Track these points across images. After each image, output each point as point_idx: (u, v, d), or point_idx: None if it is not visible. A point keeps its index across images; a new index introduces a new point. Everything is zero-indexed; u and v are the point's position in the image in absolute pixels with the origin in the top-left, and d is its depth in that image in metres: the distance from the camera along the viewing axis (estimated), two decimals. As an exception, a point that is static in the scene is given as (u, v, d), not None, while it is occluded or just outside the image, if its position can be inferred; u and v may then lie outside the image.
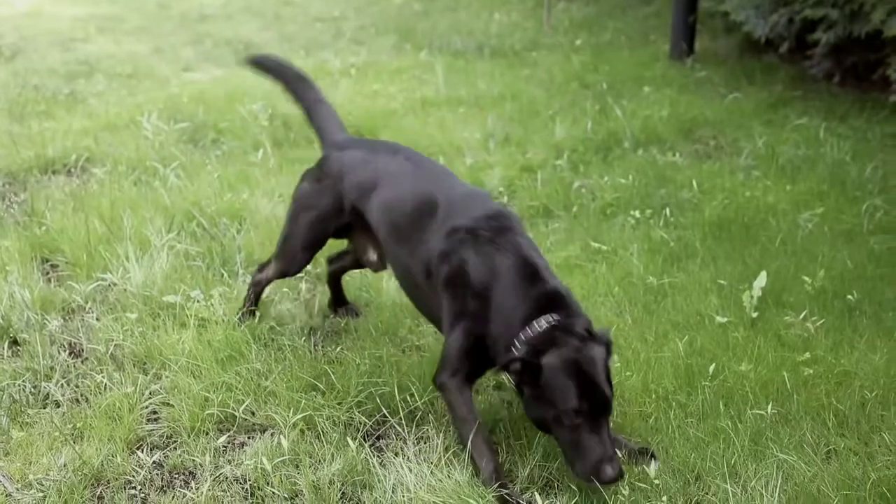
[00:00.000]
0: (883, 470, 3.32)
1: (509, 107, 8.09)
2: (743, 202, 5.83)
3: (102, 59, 10.42)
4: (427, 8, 14.16)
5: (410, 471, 3.35)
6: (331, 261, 4.59)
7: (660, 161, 6.67)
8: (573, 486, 3.27)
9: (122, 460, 3.47)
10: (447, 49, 10.82)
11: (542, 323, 3.25)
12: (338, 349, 4.21)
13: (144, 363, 4.12)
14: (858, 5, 7.43)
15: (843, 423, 3.65)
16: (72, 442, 3.55)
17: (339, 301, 4.64)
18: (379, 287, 4.77)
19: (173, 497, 3.33)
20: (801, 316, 4.39)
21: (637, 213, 5.64)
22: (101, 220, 5.34)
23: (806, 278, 4.71)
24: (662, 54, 10.12)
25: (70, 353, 4.24)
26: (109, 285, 4.75)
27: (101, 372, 4.02)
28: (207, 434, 3.65)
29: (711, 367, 3.94)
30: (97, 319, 4.48)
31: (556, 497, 3.26)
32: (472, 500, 3.16)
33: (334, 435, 3.58)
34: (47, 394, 3.89)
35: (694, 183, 6.09)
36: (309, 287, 4.81)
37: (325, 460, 3.45)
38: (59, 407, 3.83)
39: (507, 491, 3.22)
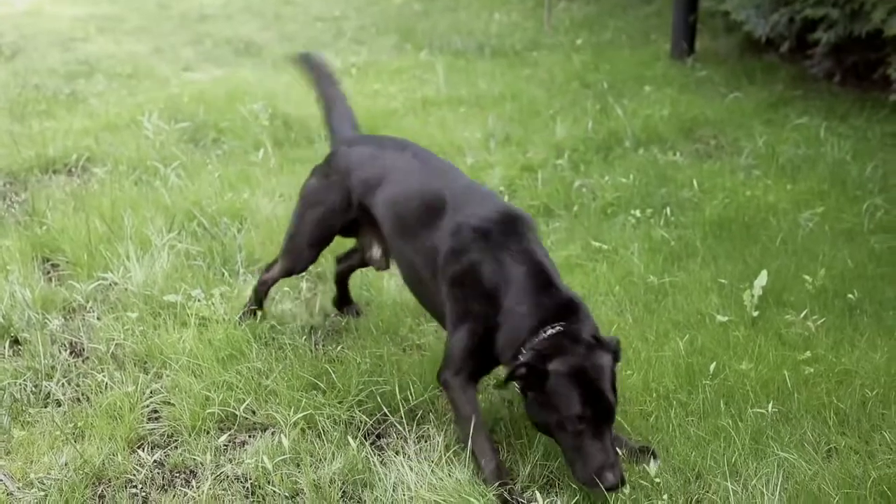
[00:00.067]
0: (884, 468, 3.32)
1: (510, 106, 8.09)
2: (743, 201, 5.83)
3: (103, 59, 10.42)
4: (427, 8, 14.16)
5: (411, 469, 3.36)
6: (339, 260, 4.58)
7: (660, 160, 6.67)
8: (573, 485, 3.27)
9: (123, 459, 3.48)
10: (448, 49, 10.82)
11: (550, 331, 3.24)
12: (338, 348, 4.21)
13: (145, 362, 4.12)
14: (859, 5, 7.43)
15: (843, 421, 3.66)
16: (73, 441, 3.55)
17: (343, 300, 4.64)
18: (380, 286, 4.78)
19: (174, 496, 3.33)
20: (802, 315, 4.39)
21: (638, 213, 5.64)
22: (101, 220, 5.34)
23: (807, 277, 4.71)
24: (663, 54, 10.13)
25: (71, 353, 4.25)
26: (110, 285, 4.75)
27: (102, 371, 4.02)
28: (208, 433, 3.65)
29: (712, 366, 3.94)
30: (98, 319, 4.48)
31: (556, 496, 3.27)
32: (472, 499, 3.16)
33: (335, 434, 3.58)
34: (48, 393, 3.90)
35: (694, 182, 6.09)
36: (310, 286, 4.82)
37: (325, 459, 3.45)
38: (60, 406, 3.83)
39: (507, 489, 3.22)
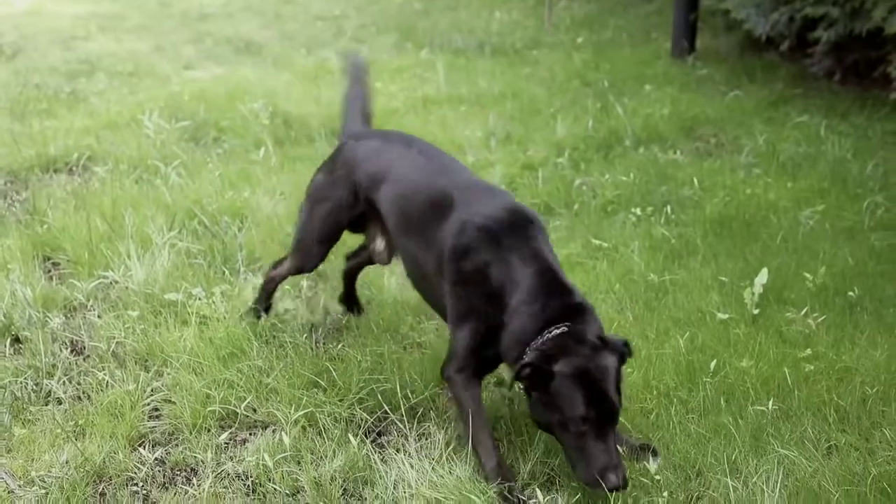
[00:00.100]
0: (884, 465, 3.33)
1: (510, 105, 8.10)
2: (744, 199, 5.83)
3: (103, 58, 10.43)
4: (428, 6, 14.16)
5: (412, 467, 3.36)
6: (348, 257, 4.57)
7: (661, 159, 6.68)
8: (574, 483, 3.27)
9: (123, 457, 3.48)
10: (448, 47, 10.83)
11: (555, 331, 3.22)
12: (339, 346, 4.22)
13: (146, 360, 4.13)
14: (859, 3, 7.43)
15: (843, 418, 3.66)
16: (74, 439, 3.56)
17: (349, 297, 4.63)
18: (380, 284, 4.78)
19: (175, 493, 3.34)
20: (802, 312, 4.40)
21: (638, 211, 5.64)
22: (102, 219, 5.34)
23: (807, 275, 4.71)
24: (664, 52, 10.13)
25: (72, 351, 4.25)
26: (111, 283, 4.75)
27: (103, 369, 4.03)
28: (209, 431, 3.66)
29: (712, 364, 3.94)
30: (99, 317, 4.48)
31: (557, 493, 3.27)
32: (473, 496, 3.17)
33: (336, 431, 3.59)
34: (49, 391, 3.90)
35: (695, 180, 6.09)
36: (310, 284, 4.82)
37: (326, 457, 3.46)
38: (60, 404, 3.84)
39: (508, 487, 3.23)
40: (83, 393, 3.91)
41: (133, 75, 9.58)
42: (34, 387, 3.92)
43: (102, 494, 3.34)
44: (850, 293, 4.56)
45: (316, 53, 10.69)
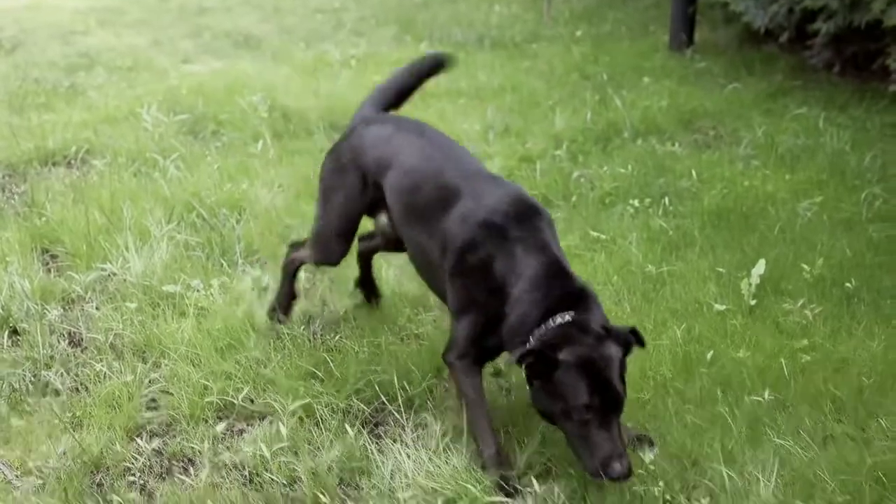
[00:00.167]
0: (879, 455, 3.33)
1: (509, 98, 8.10)
2: (742, 191, 5.84)
3: (102, 52, 10.43)
4: (427, -1, 14.17)
5: (408, 457, 3.37)
6: (361, 239, 4.42)
7: (659, 151, 6.68)
8: (571, 472, 3.28)
9: (121, 448, 3.50)
10: (447, 40, 10.82)
11: (559, 320, 3.20)
12: (337, 337, 4.22)
13: (144, 352, 4.13)
14: (859, -5, 7.43)
15: (840, 409, 3.66)
16: (71, 430, 3.57)
17: (366, 282, 4.55)
18: (378, 276, 4.77)
19: (172, 484, 3.35)
20: (800, 303, 4.40)
21: (636, 203, 5.64)
22: (100, 211, 5.35)
23: (805, 266, 4.71)
24: (662, 45, 10.12)
25: (70, 343, 4.26)
26: (109, 275, 4.76)
27: (101, 361, 4.04)
28: (206, 421, 3.67)
29: (709, 355, 3.95)
30: (97, 309, 4.49)
31: (553, 483, 3.27)
32: (469, 486, 3.18)
33: (333, 422, 3.59)
34: (47, 382, 3.91)
35: (693, 172, 6.10)
36: (308, 276, 4.81)
37: (323, 447, 3.47)
38: (58, 395, 3.85)
39: (505, 476, 3.24)
40: (81, 384, 3.92)
41: (132, 69, 9.58)
42: (32, 378, 3.93)
43: (100, 485, 3.35)
44: (848, 284, 4.57)
45: (315, 47, 10.69)
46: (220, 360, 3.97)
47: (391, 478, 3.31)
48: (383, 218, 3.98)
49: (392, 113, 4.26)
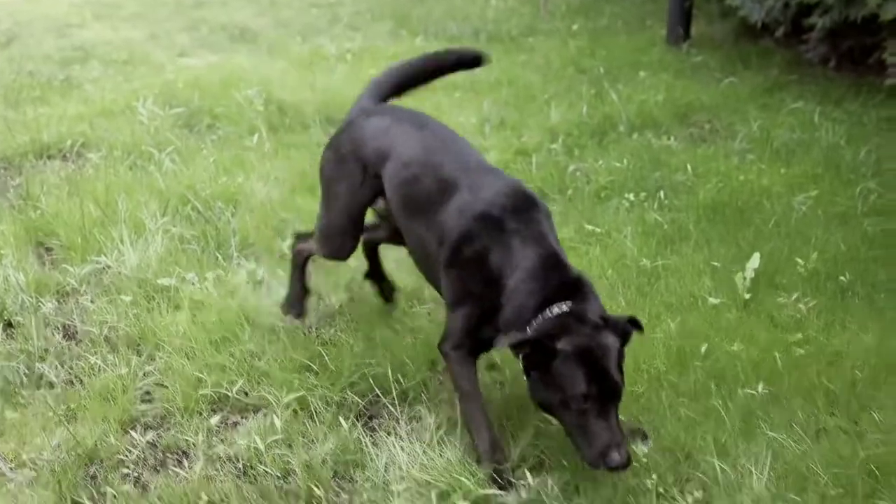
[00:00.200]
0: (872, 448, 3.35)
1: (505, 91, 8.10)
2: (737, 185, 5.84)
3: (98, 46, 10.41)
4: (423, -7, 14.15)
5: (402, 450, 3.38)
6: (366, 229, 4.26)
7: (655, 145, 6.68)
8: (565, 464, 3.29)
9: (115, 440, 3.50)
10: (443, 34, 10.82)
11: (555, 310, 3.19)
12: (331, 331, 4.22)
13: (138, 345, 4.13)
14: (854, -11, 7.43)
15: (833, 402, 3.67)
16: (65, 422, 3.57)
17: (375, 274, 4.49)
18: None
19: (166, 476, 3.35)
20: (794, 297, 4.41)
21: (631, 196, 5.64)
22: (95, 204, 5.35)
23: (799, 260, 4.72)
24: (659, 39, 10.12)
25: (64, 336, 4.26)
26: (104, 268, 4.75)
27: (95, 353, 4.04)
28: (201, 414, 3.67)
29: (703, 348, 3.95)
30: (91, 302, 4.49)
31: (547, 475, 3.27)
32: (463, 478, 3.18)
33: (327, 415, 3.60)
34: (41, 375, 3.91)
35: (688, 166, 6.10)
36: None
37: (317, 440, 3.47)
38: (52, 388, 3.85)
39: (499, 468, 3.24)
40: (75, 377, 3.92)
41: (127, 63, 9.57)
42: (26, 371, 3.93)
43: (94, 477, 3.35)
44: (842, 278, 4.58)
45: (311, 41, 10.68)
46: (215, 352, 3.97)
47: (385, 470, 3.31)
48: (381, 202, 3.92)
49: (391, 104, 4.23)
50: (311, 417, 3.60)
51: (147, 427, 3.64)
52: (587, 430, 3.05)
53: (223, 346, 4.03)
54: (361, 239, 4.22)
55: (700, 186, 5.84)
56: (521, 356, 3.18)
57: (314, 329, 4.27)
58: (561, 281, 3.28)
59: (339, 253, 4.08)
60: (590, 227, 5.22)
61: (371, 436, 3.52)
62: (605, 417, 3.05)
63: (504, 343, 3.17)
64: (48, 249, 5.07)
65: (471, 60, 4.40)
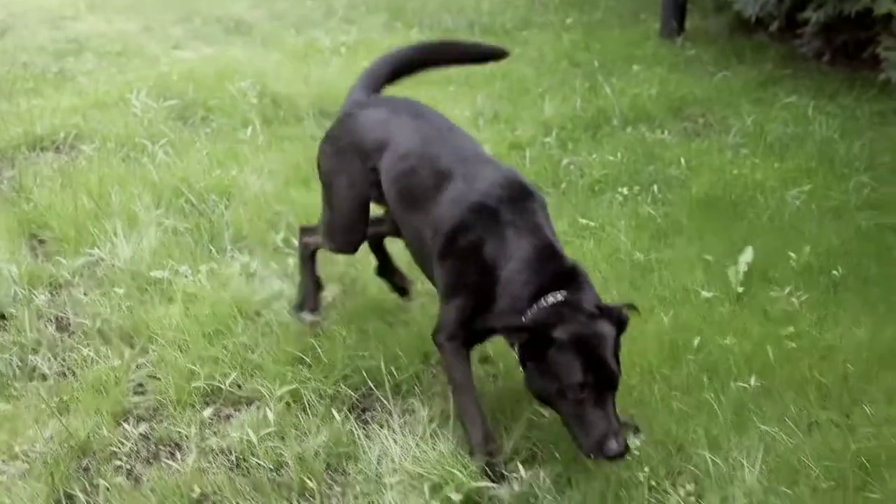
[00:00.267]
0: (863, 441, 3.36)
1: (499, 85, 8.09)
2: (731, 179, 5.85)
3: (92, 38, 10.37)
4: (418, -14, 14.11)
5: (395, 442, 3.38)
6: (370, 224, 4.22)
7: (648, 138, 6.68)
8: (557, 456, 3.29)
9: (108, 432, 3.50)
10: (438, 27, 10.80)
11: (550, 300, 3.18)
12: (324, 323, 4.22)
13: (131, 337, 4.13)
14: (849, -17, 7.43)
15: (825, 395, 3.68)
16: (58, 414, 3.57)
17: (386, 270, 4.44)
18: (366, 261, 4.77)
19: (159, 468, 3.36)
20: (787, 291, 4.42)
21: (625, 190, 5.65)
22: (89, 196, 5.34)
23: (792, 254, 4.73)
24: (653, 33, 10.10)
25: (57, 328, 4.26)
26: (97, 260, 4.75)
27: (88, 346, 4.04)
28: (193, 407, 3.67)
29: (696, 341, 3.96)
30: (84, 294, 4.49)
31: (539, 468, 3.27)
32: (455, 471, 3.18)
33: (320, 408, 3.60)
34: (34, 367, 3.91)
35: (682, 160, 6.11)
36: (297, 262, 4.80)
37: (310, 432, 3.47)
38: (45, 380, 3.85)
39: (492, 461, 3.25)
40: (68, 369, 3.92)
41: (121, 55, 9.53)
42: (19, 363, 3.93)
43: (86, 469, 3.35)
44: (835, 272, 4.58)
45: (305, 33, 10.65)
46: (208, 345, 3.97)
47: (378, 463, 3.32)
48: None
49: (387, 95, 4.21)
50: (304, 410, 3.61)
51: (140, 419, 3.64)
52: (584, 419, 3.05)
53: (216, 338, 4.03)
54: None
55: (693, 180, 5.84)
56: (516, 346, 3.19)
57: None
58: (556, 271, 3.27)
59: (347, 247, 4.05)
60: (583, 221, 5.22)
61: (364, 428, 3.53)
62: (601, 406, 3.04)
63: (500, 322, 3.19)
64: (41, 241, 5.07)
65: (482, 56, 4.41)
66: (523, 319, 3.20)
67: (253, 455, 3.37)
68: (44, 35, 10.50)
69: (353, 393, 3.73)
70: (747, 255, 4.57)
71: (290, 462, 3.32)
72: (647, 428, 3.46)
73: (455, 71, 8.40)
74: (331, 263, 4.61)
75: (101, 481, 3.25)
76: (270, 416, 3.52)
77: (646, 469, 3.20)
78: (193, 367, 3.82)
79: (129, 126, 6.81)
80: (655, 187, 5.68)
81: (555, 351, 3.07)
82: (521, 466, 3.23)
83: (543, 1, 12.04)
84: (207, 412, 3.62)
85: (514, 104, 7.52)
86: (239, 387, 3.78)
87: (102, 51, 9.69)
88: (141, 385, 3.83)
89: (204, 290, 4.41)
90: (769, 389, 3.70)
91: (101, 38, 10.33)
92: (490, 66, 8.52)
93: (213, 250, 4.88)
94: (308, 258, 4.27)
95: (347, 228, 3.97)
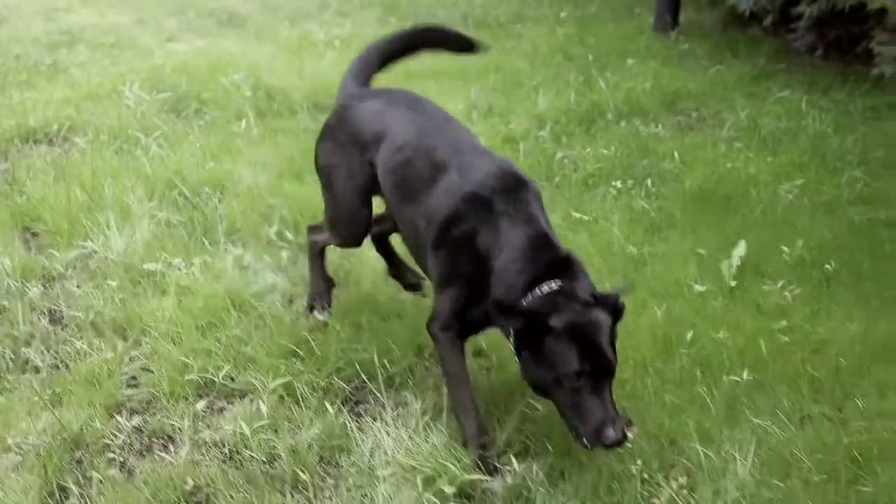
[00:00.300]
0: (856, 435, 3.38)
1: (493, 78, 8.08)
2: (724, 173, 5.85)
3: (85, 30, 10.36)
4: (412, -20, 14.08)
5: (388, 435, 3.39)
6: (373, 222, 4.22)
7: (642, 132, 6.69)
8: (550, 449, 3.30)
9: (101, 425, 3.50)
10: (431, 21, 10.74)
11: (545, 288, 3.18)
12: (321, 317, 4.21)
13: (124, 330, 4.13)
14: (842, -22, 7.44)
15: (817, 389, 3.70)
16: (51, 407, 3.56)
17: (395, 267, 4.40)
18: (359, 256, 4.77)
19: (152, 461, 3.36)
20: (780, 285, 4.43)
21: (619, 184, 5.65)
22: (82, 189, 5.33)
23: (785, 248, 4.74)
24: (647, 27, 10.10)
25: (50, 320, 4.25)
26: (90, 253, 4.75)
27: (81, 338, 4.04)
28: (187, 399, 3.67)
29: (689, 335, 3.97)
30: (77, 287, 4.48)
31: (532, 461, 3.28)
32: (448, 463, 3.19)
33: (313, 400, 3.60)
34: (27, 360, 3.91)
35: (676, 154, 6.11)
36: (290, 255, 4.81)
37: (303, 425, 3.48)
38: (38, 372, 3.85)
39: (485, 454, 3.25)
40: (61, 361, 3.92)
41: (114, 47, 9.52)
42: (12, 355, 3.93)
43: (79, 462, 3.36)
44: (827, 266, 4.59)
45: (299, 26, 10.64)
46: (201, 338, 3.97)
47: (371, 456, 3.32)
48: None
49: (383, 86, 4.21)
50: (298, 403, 3.61)
51: (133, 412, 3.64)
52: (581, 407, 3.04)
53: (209, 331, 4.03)
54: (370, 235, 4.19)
55: (687, 174, 5.85)
56: (511, 335, 3.18)
57: (300, 314, 4.26)
58: (550, 260, 3.27)
59: (352, 240, 4.06)
60: (577, 215, 5.23)
61: (357, 421, 3.53)
62: (598, 395, 3.03)
63: (497, 302, 3.17)
64: (34, 234, 5.06)
65: (461, 45, 4.40)
66: (517, 308, 3.19)
67: (246, 448, 3.37)
68: (37, 27, 10.48)
69: (346, 386, 3.74)
70: (740, 249, 4.58)
71: (283, 454, 3.32)
72: (640, 421, 3.46)
73: (449, 64, 8.39)
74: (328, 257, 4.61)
75: (94, 474, 3.26)
76: (263, 408, 3.52)
77: (638, 462, 3.21)
78: (187, 360, 3.82)
79: (123, 118, 6.79)
80: (649, 181, 5.69)
81: (551, 339, 3.06)
82: (514, 459, 3.23)
83: (538, -6, 12.03)
84: (200, 405, 3.62)
85: (508, 98, 7.51)
86: (232, 379, 3.78)
87: (96, 43, 9.68)
88: (134, 378, 3.83)
89: (197, 283, 4.40)
90: (762, 383, 3.71)
91: (94, 30, 10.31)
92: (484, 60, 8.52)
93: (207, 243, 4.88)
94: (317, 255, 4.27)
95: (350, 220, 3.97)
